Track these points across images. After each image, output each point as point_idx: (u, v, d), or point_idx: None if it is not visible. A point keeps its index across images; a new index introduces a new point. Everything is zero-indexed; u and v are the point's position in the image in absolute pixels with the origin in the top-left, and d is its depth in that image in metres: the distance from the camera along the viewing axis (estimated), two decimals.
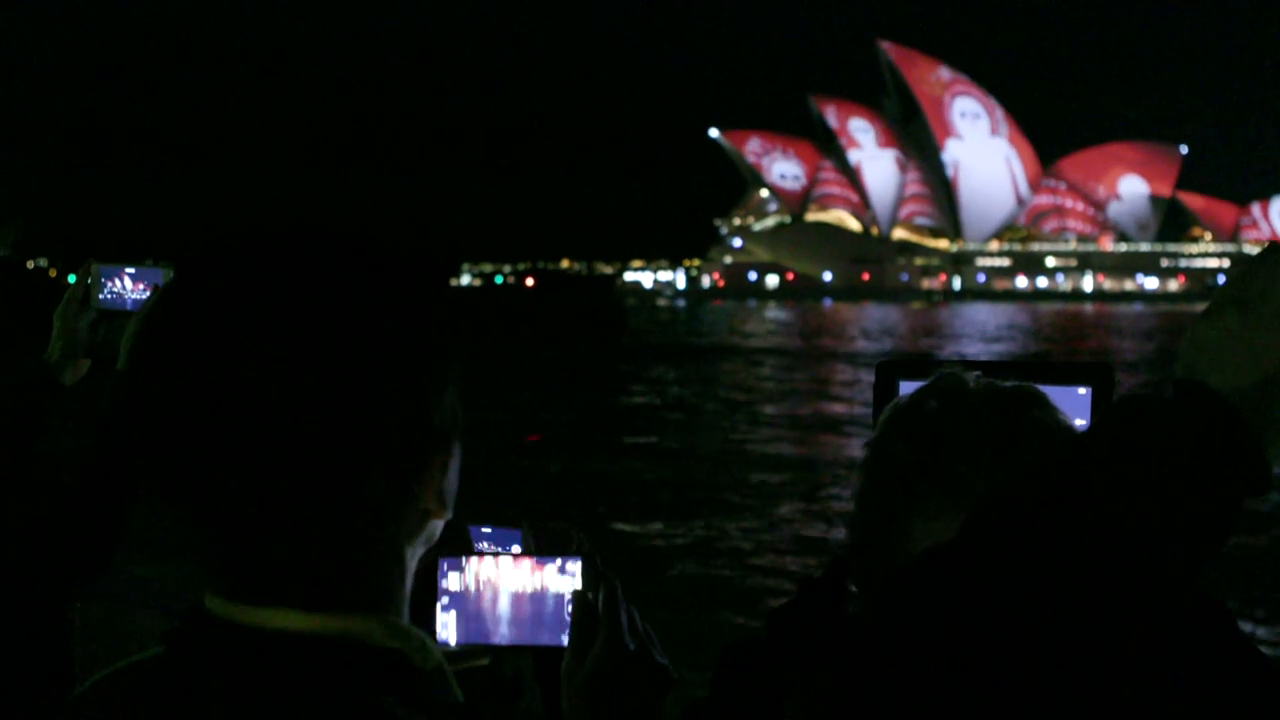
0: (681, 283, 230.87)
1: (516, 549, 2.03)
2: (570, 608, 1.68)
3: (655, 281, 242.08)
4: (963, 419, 1.53)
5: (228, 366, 0.98)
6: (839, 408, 33.27)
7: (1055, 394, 1.60)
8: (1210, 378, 1.02)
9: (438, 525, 1.11)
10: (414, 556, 1.10)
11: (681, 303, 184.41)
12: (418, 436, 1.05)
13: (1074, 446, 1.03)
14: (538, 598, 1.72)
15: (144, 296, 2.61)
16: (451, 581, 1.72)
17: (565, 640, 1.68)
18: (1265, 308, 1.02)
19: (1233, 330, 1.03)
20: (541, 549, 2.03)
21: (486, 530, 2.18)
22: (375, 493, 1.03)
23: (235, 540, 1.01)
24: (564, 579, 1.72)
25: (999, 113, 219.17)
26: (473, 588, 1.72)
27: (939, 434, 1.53)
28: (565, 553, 1.86)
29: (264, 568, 1.02)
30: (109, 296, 2.63)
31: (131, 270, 2.66)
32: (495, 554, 1.76)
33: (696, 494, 19.58)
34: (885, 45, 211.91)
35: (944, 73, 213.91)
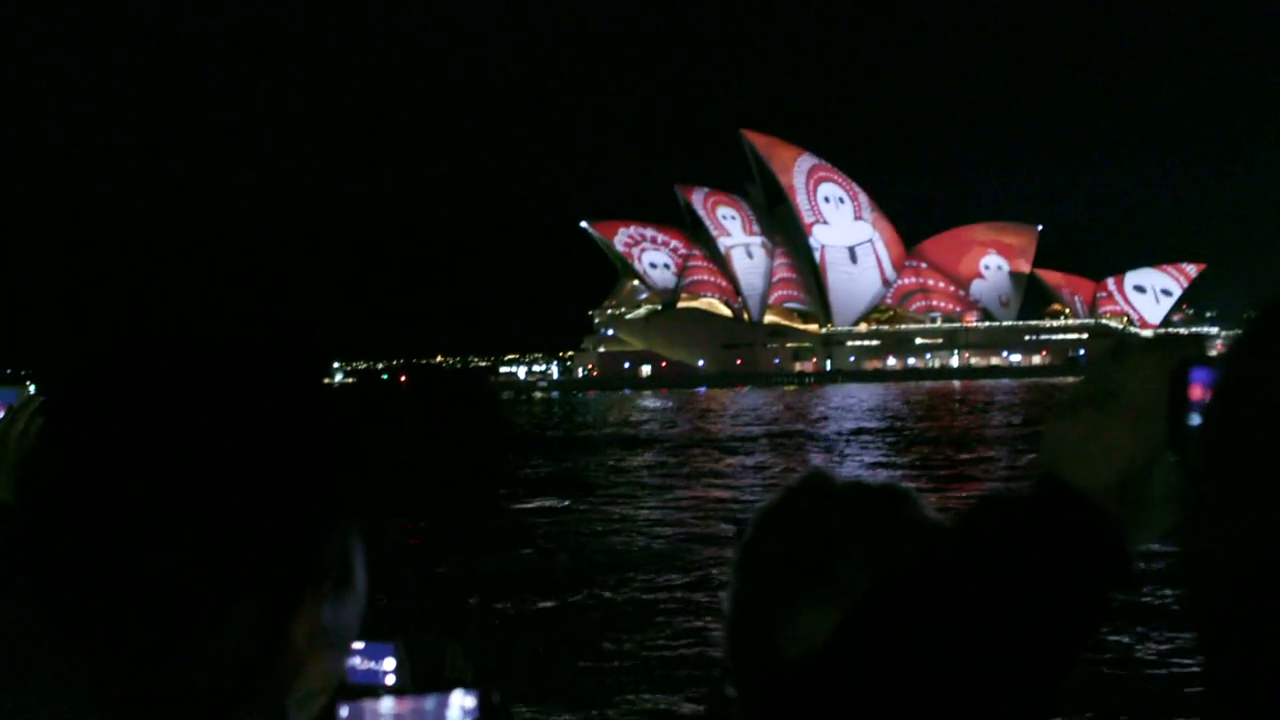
0: (556, 374, 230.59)
1: (390, 663, 2.02)
2: None
3: (529, 373, 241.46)
4: (834, 514, 1.57)
5: (94, 498, 0.97)
6: (719, 496, 33.21)
7: None
8: (1069, 474, 1.04)
9: (332, 668, 1.08)
10: (302, 703, 1.07)
11: (556, 394, 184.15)
12: (292, 572, 1.03)
13: (940, 548, 1.05)
14: None
15: None
16: None
17: None
18: (1118, 404, 1.05)
19: (1088, 427, 1.05)
20: (416, 665, 2.02)
21: (358, 645, 2.09)
22: (244, 629, 1.00)
23: (107, 675, 0.99)
24: (453, 715, 1.72)
25: (862, 197, 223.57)
26: None
27: (811, 529, 1.57)
28: (440, 667, 1.84)
29: (140, 704, 1.00)
30: None
31: None
32: (374, 687, 1.72)
33: (578, 596, 19.24)
34: (749, 134, 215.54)
35: (807, 160, 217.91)
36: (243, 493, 0.99)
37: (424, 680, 2.01)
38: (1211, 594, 0.69)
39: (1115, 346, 1.09)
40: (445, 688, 1.96)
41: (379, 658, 2.07)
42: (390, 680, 1.97)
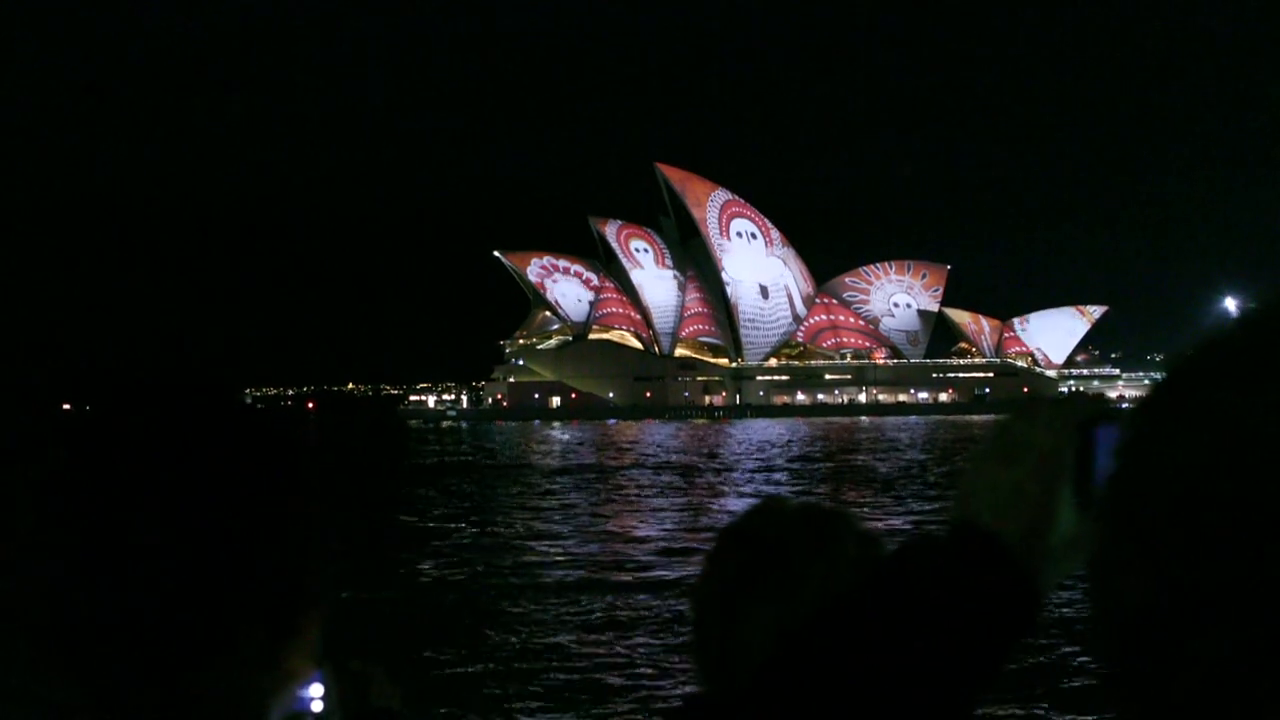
0: (466, 403, 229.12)
1: (318, 690, 2.06)
2: None
3: (439, 402, 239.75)
4: (788, 526, 1.84)
5: (89, 539, 0.98)
6: (631, 525, 32.85)
7: None
8: (983, 521, 1.14)
9: (304, 683, 1.12)
10: (277, 714, 1.10)
11: (465, 424, 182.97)
12: (291, 600, 1.07)
13: (865, 590, 1.14)
14: None
15: None
16: None
17: None
18: (1026, 456, 1.15)
19: (999, 477, 1.15)
20: (343, 693, 2.07)
21: None
22: (244, 663, 1.03)
23: (102, 709, 1.00)
24: None
25: (774, 233, 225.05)
26: None
27: (772, 538, 1.83)
28: (366, 694, 1.88)
29: None
30: None
31: None
32: (301, 714, 1.77)
33: (499, 625, 18.89)
34: (663, 167, 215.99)
35: (721, 194, 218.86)
36: (232, 527, 1.02)
37: (352, 708, 2.03)
38: (1112, 637, 0.75)
39: (1027, 403, 1.19)
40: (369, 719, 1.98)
41: (305, 685, 1.99)
42: (317, 708, 2.02)
